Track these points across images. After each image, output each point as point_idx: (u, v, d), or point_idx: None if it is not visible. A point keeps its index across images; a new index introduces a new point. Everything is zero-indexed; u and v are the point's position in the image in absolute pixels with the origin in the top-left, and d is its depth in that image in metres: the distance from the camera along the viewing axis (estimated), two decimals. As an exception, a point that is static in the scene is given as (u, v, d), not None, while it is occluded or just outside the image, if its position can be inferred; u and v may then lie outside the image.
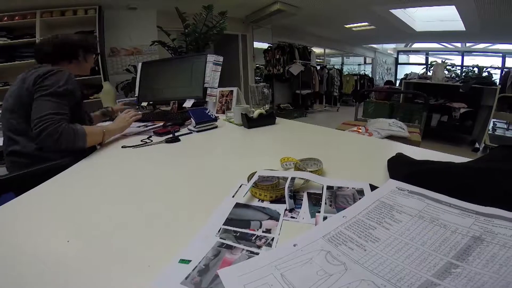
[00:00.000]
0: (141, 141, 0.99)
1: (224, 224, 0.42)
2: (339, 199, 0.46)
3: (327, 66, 7.30)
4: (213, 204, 0.48)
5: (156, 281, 0.31)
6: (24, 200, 0.56)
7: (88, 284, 0.31)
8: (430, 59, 8.70)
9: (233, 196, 0.51)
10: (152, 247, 0.38)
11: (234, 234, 0.39)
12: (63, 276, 0.33)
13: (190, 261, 0.33)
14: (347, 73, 8.28)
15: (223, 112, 1.47)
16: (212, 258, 0.33)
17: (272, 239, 0.37)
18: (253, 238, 0.38)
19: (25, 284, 0.32)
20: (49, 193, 0.60)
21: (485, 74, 4.35)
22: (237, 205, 0.47)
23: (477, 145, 3.39)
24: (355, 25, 6.08)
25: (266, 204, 0.47)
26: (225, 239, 0.38)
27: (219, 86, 1.50)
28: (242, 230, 0.40)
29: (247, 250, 0.35)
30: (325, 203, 0.45)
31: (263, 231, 0.39)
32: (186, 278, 0.30)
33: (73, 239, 0.40)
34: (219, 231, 0.40)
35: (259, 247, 0.36)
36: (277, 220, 0.42)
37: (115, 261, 0.35)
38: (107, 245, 0.39)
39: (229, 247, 0.36)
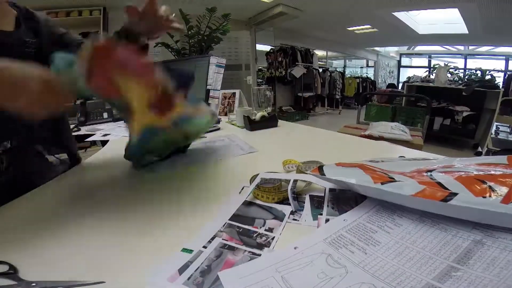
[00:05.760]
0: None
1: (230, 219, 0.43)
2: (341, 201, 0.46)
3: (329, 69, 7.31)
4: (216, 205, 0.48)
5: (157, 269, 0.31)
6: (27, 198, 0.57)
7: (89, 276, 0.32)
8: (433, 62, 8.68)
9: (239, 193, 0.52)
10: (157, 240, 0.39)
11: (237, 230, 0.40)
12: (62, 266, 0.33)
13: (192, 250, 0.35)
14: (349, 75, 8.28)
15: (226, 114, 1.47)
16: (215, 259, 0.34)
17: (273, 238, 0.38)
18: (255, 235, 0.39)
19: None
20: (51, 191, 0.60)
21: (488, 77, 4.33)
22: (245, 203, 0.48)
23: (479, 149, 3.37)
24: (357, 27, 6.09)
25: (272, 204, 0.47)
26: (228, 234, 0.39)
27: (221, 88, 1.50)
28: (245, 226, 0.41)
29: (249, 252, 0.35)
30: (328, 206, 0.45)
31: (265, 230, 0.40)
32: (189, 279, 0.31)
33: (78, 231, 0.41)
34: (224, 225, 0.41)
35: (259, 244, 0.37)
36: (281, 220, 0.42)
37: (117, 257, 0.36)
38: (108, 243, 0.39)
39: (232, 248, 0.36)
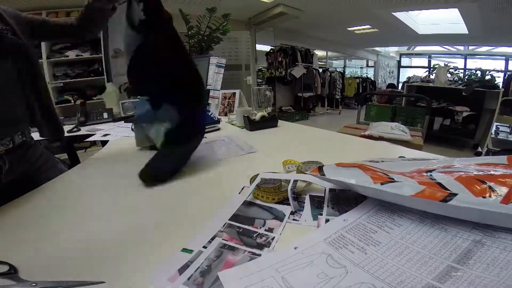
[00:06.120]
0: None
1: (230, 219, 0.43)
2: (341, 201, 0.46)
3: (329, 69, 7.30)
4: (216, 205, 0.48)
5: (157, 270, 0.31)
6: (27, 198, 0.57)
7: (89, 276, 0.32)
8: (433, 62, 8.68)
9: (239, 193, 0.52)
10: (157, 240, 0.39)
11: (237, 230, 0.40)
12: (62, 266, 0.33)
13: (192, 250, 0.35)
14: (349, 76, 8.27)
15: (226, 114, 1.47)
16: (215, 259, 0.34)
17: (273, 239, 0.38)
18: (255, 235, 0.39)
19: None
20: (51, 191, 0.60)
21: (488, 77, 4.32)
22: (245, 203, 0.48)
23: (479, 149, 3.37)
24: (357, 27, 6.08)
25: (272, 204, 0.47)
26: (228, 234, 0.39)
27: (221, 88, 1.50)
28: (245, 226, 0.41)
29: (249, 252, 0.35)
30: (328, 206, 0.45)
31: (265, 230, 0.40)
32: (189, 279, 0.31)
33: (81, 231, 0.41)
34: (224, 225, 0.41)
35: (259, 244, 0.37)
36: (281, 220, 0.42)
37: (117, 257, 0.36)
38: (109, 243, 0.39)
39: (232, 248, 0.36)
